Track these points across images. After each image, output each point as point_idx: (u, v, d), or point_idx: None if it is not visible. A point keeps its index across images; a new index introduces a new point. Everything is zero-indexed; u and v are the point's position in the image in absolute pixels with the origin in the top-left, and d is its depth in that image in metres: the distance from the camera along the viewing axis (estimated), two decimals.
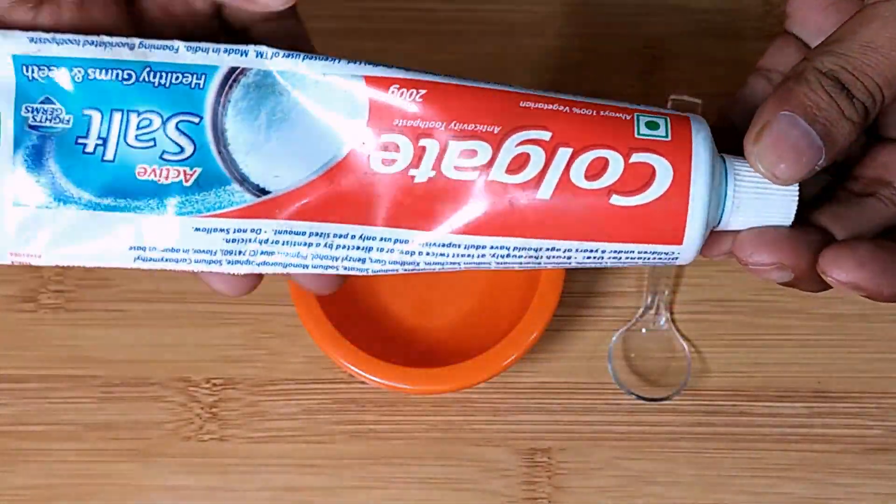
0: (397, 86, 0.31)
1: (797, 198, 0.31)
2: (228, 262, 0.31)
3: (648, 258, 0.32)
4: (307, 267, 0.31)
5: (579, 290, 0.50)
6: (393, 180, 0.31)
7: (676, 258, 0.32)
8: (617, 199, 0.31)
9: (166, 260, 0.31)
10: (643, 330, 0.49)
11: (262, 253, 0.31)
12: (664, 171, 0.31)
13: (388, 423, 0.48)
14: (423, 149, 0.31)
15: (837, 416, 0.48)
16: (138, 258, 0.31)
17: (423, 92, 0.31)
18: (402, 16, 0.51)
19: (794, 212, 0.31)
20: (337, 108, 0.31)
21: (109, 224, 0.30)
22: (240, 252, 0.31)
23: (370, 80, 0.31)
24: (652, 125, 0.31)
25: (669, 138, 0.31)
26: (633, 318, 0.49)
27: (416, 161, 0.31)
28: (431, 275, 0.49)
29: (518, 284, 0.46)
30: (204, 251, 0.31)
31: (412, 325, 0.48)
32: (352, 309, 0.47)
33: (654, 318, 0.49)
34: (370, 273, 0.32)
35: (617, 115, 0.31)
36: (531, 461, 0.48)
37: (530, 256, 0.31)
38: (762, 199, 0.31)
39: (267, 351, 0.49)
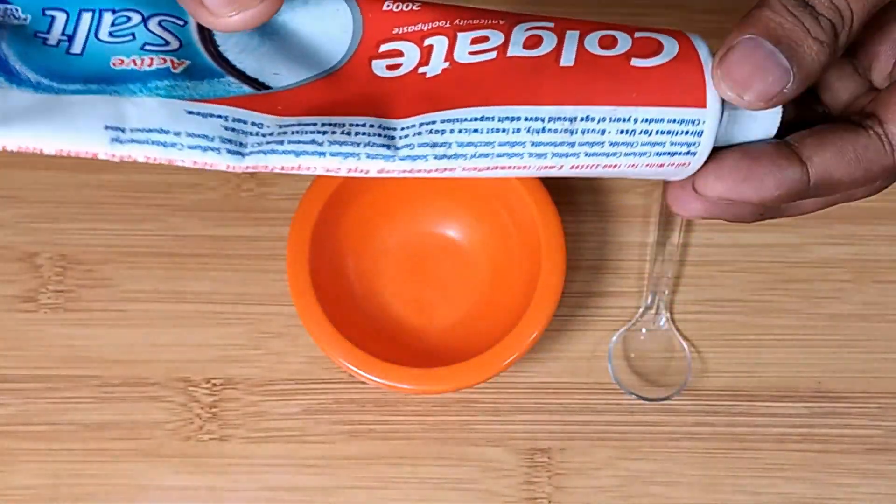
0: (391, 1, 0.30)
1: (779, 118, 0.31)
2: (229, 152, 0.27)
3: (677, 133, 0.30)
4: (324, 155, 0.27)
5: (579, 290, 0.50)
6: (403, 81, 0.29)
7: (702, 133, 0.30)
8: (637, 62, 0.30)
9: (153, 143, 0.26)
10: (643, 330, 0.49)
11: (268, 143, 0.27)
12: (670, 44, 0.30)
13: (387, 423, 0.48)
14: (431, 47, 0.29)
15: (837, 416, 0.48)
16: (115, 140, 0.25)
17: (418, 4, 0.30)
18: None
19: (775, 131, 0.31)
20: (329, 23, 0.29)
21: (79, 104, 0.26)
22: (241, 143, 0.27)
23: (363, 0, 0.30)
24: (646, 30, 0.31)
25: (666, 30, 0.31)
26: (633, 318, 0.49)
27: (425, 59, 0.29)
28: (431, 274, 0.49)
29: (518, 284, 0.46)
30: (199, 136, 0.26)
31: (412, 325, 0.48)
32: (352, 309, 0.47)
33: (654, 318, 0.49)
34: (398, 163, 0.28)
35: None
36: (531, 461, 0.48)
37: (566, 131, 0.29)
38: (748, 119, 0.31)
39: (267, 351, 0.49)
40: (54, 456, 0.47)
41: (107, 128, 0.25)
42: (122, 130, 0.26)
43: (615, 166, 0.30)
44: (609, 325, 0.49)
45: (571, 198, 0.51)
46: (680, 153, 0.31)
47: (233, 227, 0.50)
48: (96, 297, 0.49)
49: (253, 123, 0.27)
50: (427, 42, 0.29)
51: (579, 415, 0.48)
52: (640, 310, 0.49)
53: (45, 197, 0.50)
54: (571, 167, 0.30)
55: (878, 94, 0.32)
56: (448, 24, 0.30)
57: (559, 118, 0.29)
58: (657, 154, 0.30)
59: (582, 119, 0.29)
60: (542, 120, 0.29)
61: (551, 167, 0.30)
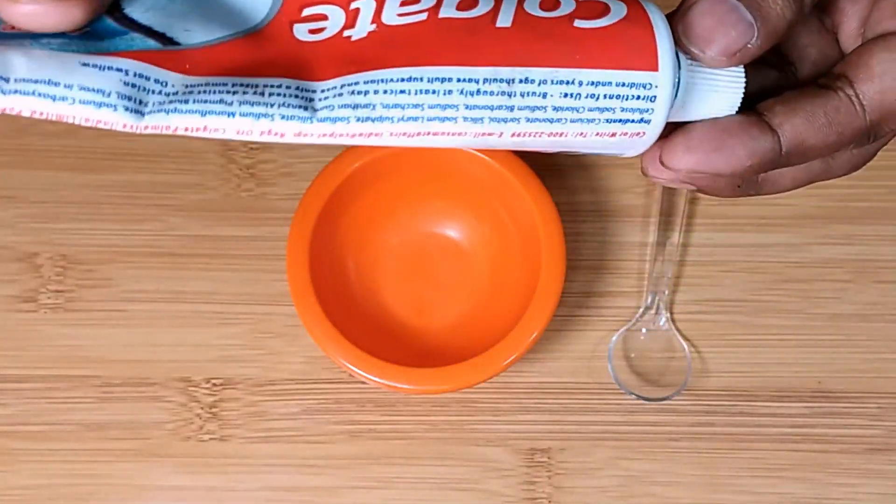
0: None
1: (743, 84, 0.29)
2: (127, 109, 0.24)
3: (627, 98, 0.28)
4: (234, 116, 0.25)
5: (579, 290, 0.50)
6: (326, 45, 0.27)
7: (655, 98, 0.28)
8: (580, 23, 0.28)
9: (40, 95, 0.24)
10: (643, 330, 0.49)
11: (171, 101, 0.25)
12: (617, 7, 0.29)
13: (387, 423, 0.48)
14: (357, 10, 0.28)
15: (837, 416, 0.48)
16: None
17: None
18: None
19: (740, 100, 0.30)
20: None
21: None
22: (140, 101, 0.25)
23: None
24: None
25: None
26: (633, 318, 0.49)
27: (351, 22, 0.28)
28: (431, 274, 0.49)
29: (518, 284, 0.46)
30: (94, 90, 0.24)
31: (412, 325, 0.48)
32: (352, 309, 0.47)
33: (654, 318, 0.49)
34: (317, 125, 0.26)
35: None
36: (531, 461, 0.48)
37: (503, 93, 0.27)
38: (710, 85, 0.29)
39: (267, 351, 0.49)
40: (54, 456, 0.47)
41: None
42: (6, 80, 0.23)
43: (562, 134, 0.28)
44: (609, 325, 0.49)
45: (571, 198, 0.51)
46: (632, 121, 0.29)
47: (233, 227, 0.50)
48: (96, 297, 0.49)
49: (156, 81, 0.25)
50: (353, 6, 0.28)
51: (579, 415, 0.48)
52: (640, 310, 0.49)
53: (45, 197, 0.50)
54: (513, 134, 0.28)
55: (847, 55, 0.31)
56: None
57: (495, 80, 0.27)
58: (607, 121, 0.29)
59: (521, 81, 0.27)
60: (477, 81, 0.27)
61: (490, 134, 0.28)
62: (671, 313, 0.49)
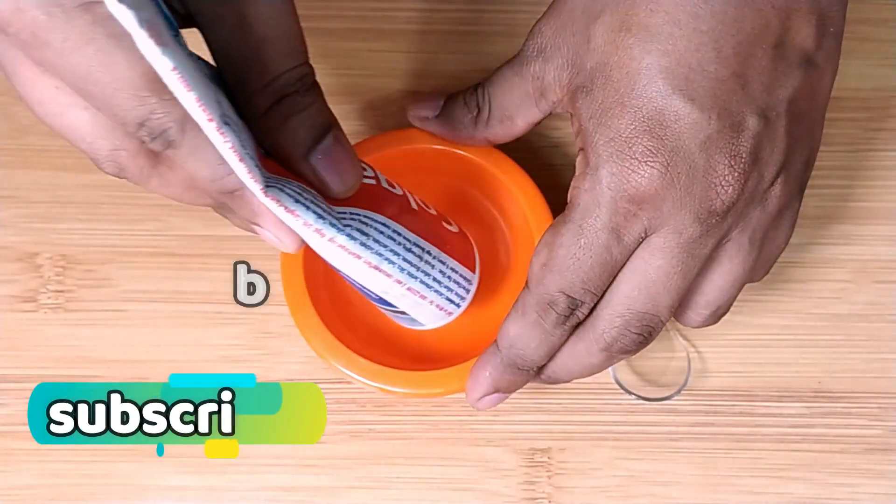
0: None
1: None
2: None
3: (461, 285, 0.42)
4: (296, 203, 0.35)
5: None
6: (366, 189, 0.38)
7: (470, 291, 0.43)
8: (445, 225, 0.42)
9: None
10: None
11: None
12: (452, 227, 0.43)
13: (387, 423, 0.48)
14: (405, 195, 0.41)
15: (837, 416, 0.48)
16: None
17: None
18: (402, 16, 0.51)
19: None
20: None
21: None
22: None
23: None
24: None
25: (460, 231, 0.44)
26: None
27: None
28: None
29: (513, 286, 0.46)
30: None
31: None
32: (349, 312, 0.47)
33: None
34: (340, 237, 0.35)
35: None
36: (531, 461, 0.48)
37: (420, 258, 0.39)
38: None
39: (267, 351, 0.49)
40: (54, 456, 0.47)
41: None
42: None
43: (424, 298, 0.39)
44: None
45: (564, 197, 0.50)
46: (454, 301, 0.40)
47: (233, 226, 0.50)
48: (96, 297, 0.49)
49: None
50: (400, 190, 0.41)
51: (579, 415, 0.48)
52: None
53: (45, 197, 0.50)
54: (395, 280, 0.37)
55: None
56: None
57: (417, 246, 0.38)
58: (447, 299, 0.40)
59: (427, 252, 0.39)
60: (410, 242, 0.38)
61: (388, 275, 0.37)
62: None
